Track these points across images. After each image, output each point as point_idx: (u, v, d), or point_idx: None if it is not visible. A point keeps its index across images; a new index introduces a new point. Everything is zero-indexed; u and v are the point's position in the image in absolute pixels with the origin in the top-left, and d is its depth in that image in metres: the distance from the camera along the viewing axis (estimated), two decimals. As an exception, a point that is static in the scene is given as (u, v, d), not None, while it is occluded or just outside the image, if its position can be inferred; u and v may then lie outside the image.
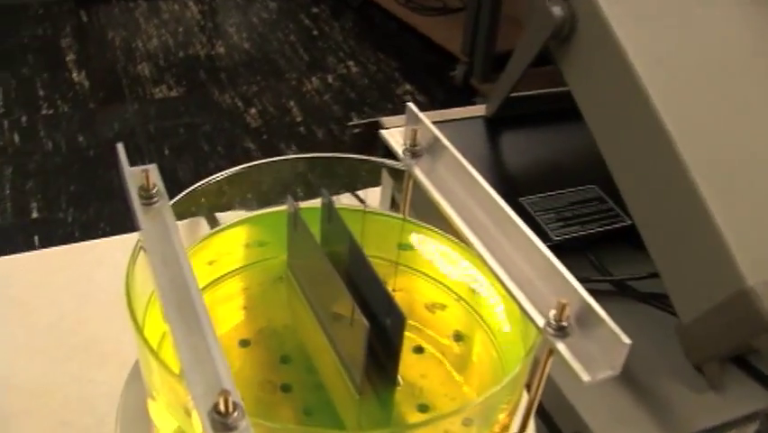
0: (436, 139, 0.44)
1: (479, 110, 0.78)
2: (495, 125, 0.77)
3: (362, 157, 0.48)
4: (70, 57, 2.49)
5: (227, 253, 0.49)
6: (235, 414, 0.30)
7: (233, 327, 0.45)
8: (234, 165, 0.47)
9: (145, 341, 0.36)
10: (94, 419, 0.46)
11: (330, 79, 2.50)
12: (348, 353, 0.39)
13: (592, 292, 0.64)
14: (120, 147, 0.41)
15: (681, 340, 0.56)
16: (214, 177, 0.45)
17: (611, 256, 0.65)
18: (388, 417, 0.40)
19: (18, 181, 1.93)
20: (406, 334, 0.44)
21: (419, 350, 0.44)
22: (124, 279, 0.38)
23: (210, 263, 0.48)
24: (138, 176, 0.40)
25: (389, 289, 0.46)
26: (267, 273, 0.48)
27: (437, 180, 0.44)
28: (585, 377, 0.33)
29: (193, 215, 0.49)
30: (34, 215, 1.84)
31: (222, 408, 0.30)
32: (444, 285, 0.48)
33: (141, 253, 0.39)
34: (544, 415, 0.58)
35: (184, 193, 0.43)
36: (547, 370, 0.36)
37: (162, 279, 0.36)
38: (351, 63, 2.60)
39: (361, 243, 0.45)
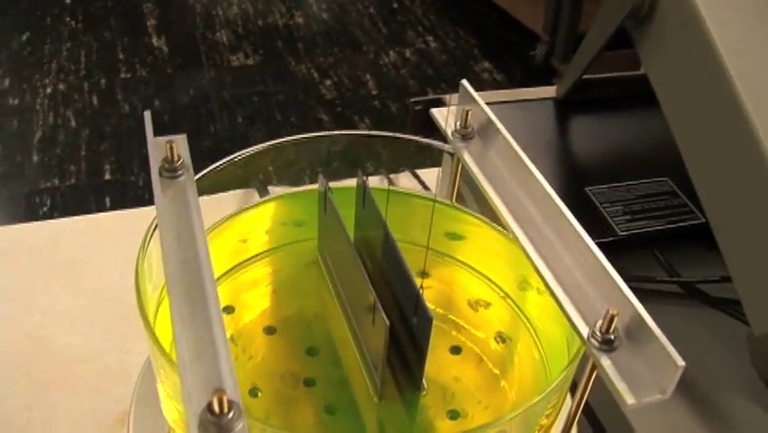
0: (489, 121, 0.40)
1: (550, 91, 0.74)
2: (565, 108, 0.72)
3: (406, 136, 0.44)
4: (151, 22, 2.51)
5: (262, 231, 0.46)
6: (231, 415, 0.27)
7: (261, 311, 0.43)
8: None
9: (155, 340, 0.33)
10: (127, 390, 0.44)
11: (408, 54, 2.46)
12: (370, 351, 0.36)
13: (657, 293, 0.59)
14: (147, 115, 0.39)
15: (751, 353, 0.51)
16: (246, 150, 0.43)
17: (681, 256, 0.60)
18: (411, 423, 0.37)
19: (93, 143, 1.96)
20: (444, 331, 0.40)
21: (456, 350, 0.41)
22: (136, 262, 0.36)
23: (243, 241, 0.46)
24: (162, 146, 0.37)
25: (425, 282, 0.43)
26: (301, 256, 0.45)
27: (487, 166, 0.40)
28: (629, 400, 0.29)
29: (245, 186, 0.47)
30: (107, 176, 1.87)
31: (216, 407, 0.27)
32: (491, 280, 0.44)
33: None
34: (595, 424, 0.54)
35: (209, 169, 0.41)
36: (590, 384, 0.32)
37: (173, 260, 0.33)
38: (429, 38, 2.55)
39: (403, 227, 0.41)
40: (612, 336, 0.31)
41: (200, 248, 0.34)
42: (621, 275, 0.56)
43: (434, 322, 0.39)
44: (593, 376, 0.32)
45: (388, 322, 0.32)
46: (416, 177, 0.69)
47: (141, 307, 0.34)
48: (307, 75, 2.33)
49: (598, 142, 0.69)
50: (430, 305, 0.42)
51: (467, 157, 0.41)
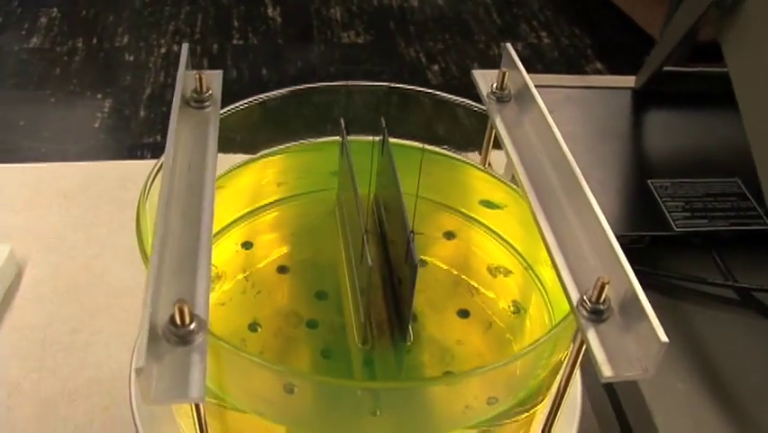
0: (526, 87, 0.39)
1: (628, 81, 0.71)
2: (641, 99, 0.69)
3: (441, 94, 0.43)
4: (268, -8, 2.56)
5: (298, 176, 0.46)
6: (192, 326, 0.27)
7: (278, 252, 0.43)
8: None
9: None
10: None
11: (519, 47, 2.42)
12: (360, 296, 0.35)
13: (709, 296, 0.56)
14: (184, 47, 0.39)
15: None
16: (278, 92, 0.43)
17: (741, 261, 0.57)
18: (397, 374, 0.36)
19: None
20: (455, 292, 0.40)
21: (465, 314, 0.40)
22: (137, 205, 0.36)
23: (279, 184, 0.46)
24: (190, 77, 0.38)
25: (448, 243, 0.42)
26: (327, 204, 0.45)
27: (517, 132, 0.39)
28: (607, 372, 0.27)
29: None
30: (280, 121, 1.91)
31: (177, 318, 0.27)
32: (516, 250, 0.43)
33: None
34: (623, 423, 0.52)
35: (241, 103, 0.41)
36: (580, 355, 0.31)
37: (178, 183, 0.33)
38: (543, 34, 2.50)
39: (436, 189, 0.41)
40: (602, 307, 0.29)
41: (208, 177, 0.34)
42: (671, 272, 0.54)
43: (445, 284, 0.38)
44: (583, 349, 0.30)
45: (370, 263, 0.31)
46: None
47: (141, 243, 0.34)
48: (415, 58, 2.33)
49: (669, 136, 0.66)
50: (446, 264, 0.41)
51: (498, 120, 0.39)
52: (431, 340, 0.38)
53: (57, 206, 0.74)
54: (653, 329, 0.27)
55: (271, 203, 0.45)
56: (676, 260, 0.56)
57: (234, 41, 2.29)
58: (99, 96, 1.99)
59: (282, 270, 0.41)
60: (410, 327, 0.36)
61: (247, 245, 0.43)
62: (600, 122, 0.66)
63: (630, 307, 0.29)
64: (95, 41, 2.23)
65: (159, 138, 1.89)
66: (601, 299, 0.29)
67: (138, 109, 1.99)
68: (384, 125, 0.38)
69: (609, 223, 0.55)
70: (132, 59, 2.15)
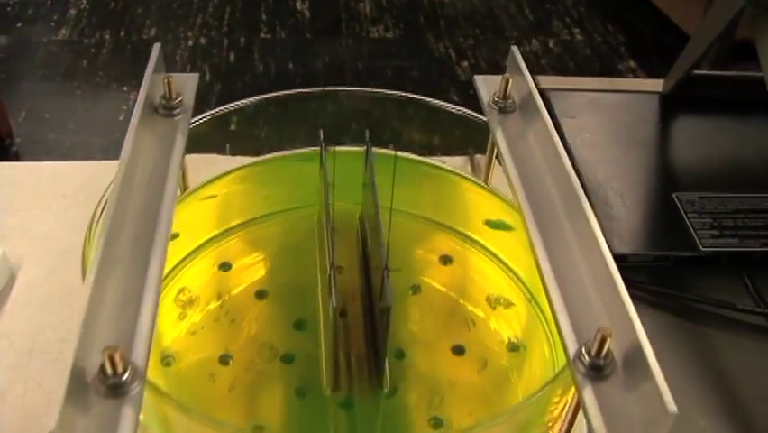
0: (531, 96, 0.35)
1: (657, 85, 0.66)
2: (670, 104, 0.64)
3: (439, 102, 0.39)
4: (297, -14, 2.53)
5: (286, 190, 0.43)
6: (125, 376, 0.23)
7: (257, 274, 0.39)
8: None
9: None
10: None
11: (551, 44, 2.36)
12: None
13: (737, 323, 0.52)
14: (156, 47, 0.36)
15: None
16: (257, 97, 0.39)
17: (775, 286, 0.52)
18: (373, 425, 0.32)
19: (224, 97, 1.99)
20: (450, 326, 0.36)
21: (459, 350, 0.36)
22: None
23: (265, 198, 0.42)
24: (157, 81, 0.34)
25: (445, 268, 0.38)
26: (312, 221, 0.41)
27: (519, 146, 0.35)
28: (604, 443, 0.23)
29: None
30: (232, 127, 1.89)
31: (108, 367, 0.23)
32: (520, 279, 0.39)
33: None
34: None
35: (214, 111, 0.37)
36: (576, 417, 0.27)
37: (134, 201, 0.30)
38: (576, 30, 2.43)
39: (432, 206, 0.37)
40: (602, 362, 0.25)
41: (167, 195, 0.31)
42: (697, 295, 0.50)
43: (439, 315, 0.34)
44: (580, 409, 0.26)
45: (335, 303, 0.27)
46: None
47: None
48: (444, 54, 2.28)
49: (698, 145, 0.61)
50: (441, 293, 0.37)
51: (499, 132, 0.35)
52: (420, 380, 0.34)
53: (55, 206, 0.72)
54: (662, 396, 0.23)
55: (254, 219, 0.41)
56: (702, 282, 0.51)
57: (262, 35, 2.26)
58: (125, 88, 1.97)
59: (260, 295, 0.38)
60: (386, 373, 0.32)
61: (225, 267, 0.39)
62: (624, 128, 0.62)
63: (636, 362, 0.25)
64: (122, 33, 2.21)
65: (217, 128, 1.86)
66: (602, 354, 0.25)
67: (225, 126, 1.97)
68: (368, 136, 0.34)
69: (629, 240, 0.52)
70: (158, 51, 2.13)
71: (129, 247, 0.28)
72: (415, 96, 0.40)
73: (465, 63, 2.25)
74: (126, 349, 0.25)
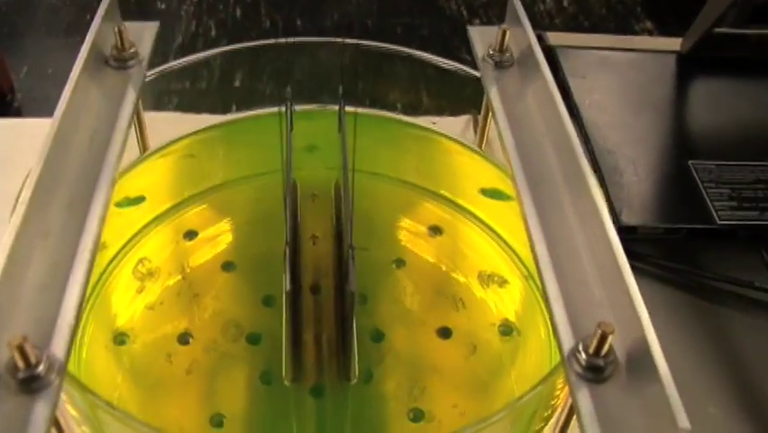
0: (530, 50, 0.31)
1: (675, 44, 0.61)
2: (688, 65, 0.60)
3: (427, 56, 0.35)
4: (307, -61, 2.46)
5: (259, 152, 0.39)
6: (39, 368, 0.20)
7: (225, 244, 0.35)
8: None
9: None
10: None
11: (565, 2, 2.29)
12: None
13: (754, 303, 0.48)
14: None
15: None
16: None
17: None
18: (341, 418, 0.29)
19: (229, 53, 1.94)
20: (437, 306, 0.32)
21: (445, 333, 0.32)
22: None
23: (238, 162, 0.39)
24: (107, 30, 0.30)
25: (436, 240, 0.34)
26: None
27: (516, 105, 0.31)
28: (600, 460, 0.20)
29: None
30: (236, 83, 1.85)
31: (18, 359, 0.20)
32: (516, 255, 0.35)
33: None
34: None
35: (178, 62, 0.34)
36: (570, 421, 0.23)
37: (71, 159, 0.26)
38: (592, -12, 2.37)
39: (422, 172, 0.33)
40: (602, 363, 0.21)
41: (111, 152, 0.27)
42: (711, 272, 0.46)
43: (425, 293, 0.31)
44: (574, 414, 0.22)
45: (288, 287, 0.24)
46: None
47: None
48: (456, 12, 2.22)
49: (717, 110, 0.56)
50: (428, 268, 0.34)
51: (494, 90, 0.31)
52: (399, 366, 0.30)
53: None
54: (670, 407, 0.19)
55: (224, 183, 0.37)
56: (718, 257, 0.47)
57: (269, -10, 2.20)
58: (127, 44, 1.93)
59: (227, 267, 0.34)
60: (354, 362, 0.28)
61: (190, 235, 0.35)
62: (638, 90, 0.57)
63: (642, 364, 0.21)
64: (126, -14, 2.17)
65: (187, 85, 1.82)
66: (602, 352, 0.21)
67: (167, 59, 1.93)
68: (341, 92, 0.30)
69: (640, 210, 0.48)
70: (163, 7, 2.08)
71: (60, 217, 0.25)
72: (400, 48, 0.36)
73: (477, 21, 2.19)
74: (45, 337, 0.21)
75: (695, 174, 0.50)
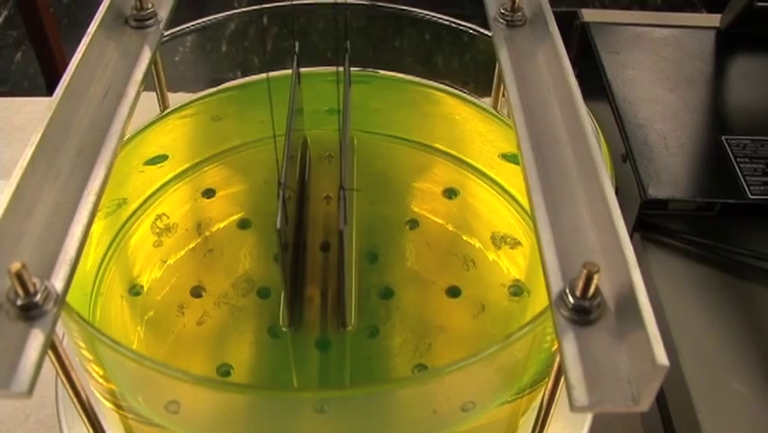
0: (542, 10, 0.31)
1: (714, 20, 0.60)
2: (727, 41, 0.58)
3: (438, 16, 0.35)
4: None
5: (285, 112, 0.39)
6: (36, 297, 0.21)
7: (241, 202, 0.36)
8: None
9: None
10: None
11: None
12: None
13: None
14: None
15: None
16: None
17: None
18: (342, 366, 0.29)
19: (280, 38, 1.96)
20: (447, 265, 0.32)
21: (454, 291, 0.32)
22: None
23: (261, 122, 0.39)
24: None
25: (451, 202, 0.34)
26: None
27: (526, 66, 0.31)
28: (579, 398, 0.20)
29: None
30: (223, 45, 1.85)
31: (17, 287, 0.21)
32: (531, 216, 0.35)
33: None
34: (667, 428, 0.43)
35: (197, 22, 0.34)
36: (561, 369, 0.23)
37: (83, 109, 0.27)
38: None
39: (438, 135, 0.33)
40: (587, 304, 0.21)
41: (123, 106, 0.28)
42: (743, 248, 0.45)
43: (436, 252, 0.31)
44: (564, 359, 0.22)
45: (278, 225, 0.24)
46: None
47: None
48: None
49: (754, 85, 0.55)
50: (440, 228, 0.34)
51: (504, 51, 0.31)
52: (406, 322, 0.31)
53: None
54: (650, 344, 0.19)
55: (246, 143, 0.38)
56: (750, 233, 0.46)
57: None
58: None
59: (243, 224, 0.35)
60: (350, 309, 0.28)
61: (209, 193, 0.36)
62: (674, 66, 0.56)
63: (627, 308, 0.21)
64: (184, -23, 2.20)
65: (238, 73, 1.84)
66: (588, 293, 0.21)
67: (220, 45, 1.95)
68: (347, 49, 0.30)
69: (670, 185, 0.47)
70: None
71: (70, 161, 0.26)
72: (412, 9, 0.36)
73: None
74: (46, 270, 0.22)
75: (728, 149, 0.49)
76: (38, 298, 0.21)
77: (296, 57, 0.32)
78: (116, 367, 0.25)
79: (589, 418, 0.32)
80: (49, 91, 1.61)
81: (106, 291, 0.32)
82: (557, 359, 0.23)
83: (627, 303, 0.21)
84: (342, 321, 0.29)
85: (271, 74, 0.38)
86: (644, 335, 0.19)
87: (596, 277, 0.21)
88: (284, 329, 0.29)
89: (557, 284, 0.22)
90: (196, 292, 0.32)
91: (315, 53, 0.38)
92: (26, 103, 0.67)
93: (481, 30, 0.34)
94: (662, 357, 0.19)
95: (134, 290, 0.32)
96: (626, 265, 0.21)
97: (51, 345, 0.21)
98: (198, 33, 0.36)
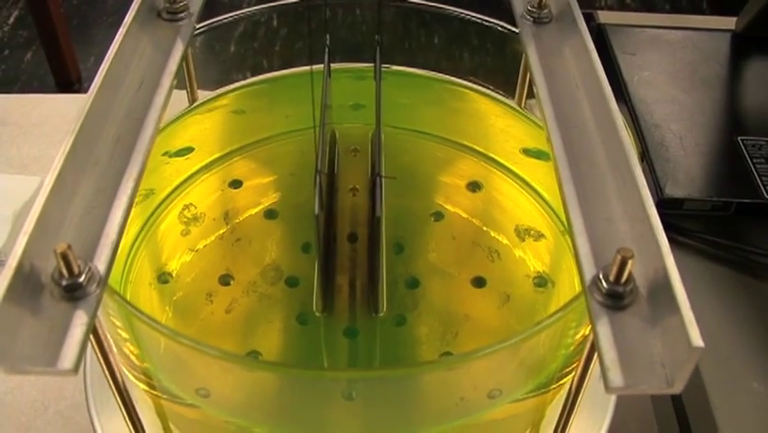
0: (569, 6, 0.31)
1: (729, 23, 0.61)
2: (742, 44, 0.59)
3: (464, 12, 0.36)
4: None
5: (311, 106, 0.40)
6: (81, 278, 0.21)
7: (269, 193, 0.37)
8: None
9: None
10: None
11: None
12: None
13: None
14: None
15: None
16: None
17: None
18: (372, 350, 0.29)
19: (289, 40, 1.96)
20: (472, 256, 0.33)
21: (479, 282, 0.33)
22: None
23: (286, 116, 0.40)
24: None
25: (473, 197, 0.35)
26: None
27: (554, 63, 0.31)
28: (614, 380, 0.20)
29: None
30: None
31: (63, 267, 0.21)
32: (554, 210, 0.35)
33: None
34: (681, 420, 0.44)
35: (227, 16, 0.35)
36: (593, 353, 0.23)
37: (120, 100, 0.28)
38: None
39: (463, 130, 0.34)
40: (621, 290, 0.22)
41: (158, 96, 0.28)
42: (759, 248, 0.45)
43: (461, 243, 0.31)
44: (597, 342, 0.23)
45: (317, 211, 0.24)
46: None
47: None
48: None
49: (769, 87, 0.55)
50: (465, 221, 0.34)
51: (532, 47, 0.31)
52: (433, 312, 0.31)
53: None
54: (685, 327, 0.19)
55: (272, 136, 0.38)
56: (765, 233, 0.47)
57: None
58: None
59: (270, 215, 0.35)
60: (382, 296, 0.29)
61: (235, 184, 0.37)
62: (689, 68, 0.57)
63: (660, 293, 0.21)
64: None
65: (248, 74, 1.84)
66: (622, 279, 0.21)
67: (228, 46, 1.96)
68: (378, 44, 0.30)
69: (686, 184, 0.47)
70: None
71: (108, 148, 0.26)
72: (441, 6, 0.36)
73: None
74: (89, 252, 0.23)
75: (744, 150, 0.50)
76: (82, 279, 0.21)
77: (327, 50, 0.32)
78: (152, 346, 0.25)
79: (609, 416, 0.32)
80: (60, 91, 1.62)
81: (135, 279, 0.32)
82: (587, 347, 0.24)
83: (660, 289, 0.21)
84: (375, 307, 0.29)
85: (297, 69, 0.38)
86: (678, 318, 0.20)
87: (630, 262, 0.21)
88: (317, 314, 0.30)
89: (590, 270, 0.22)
90: (225, 280, 0.32)
91: (342, 49, 0.39)
92: (43, 100, 0.68)
93: (509, 27, 0.34)
94: (697, 339, 0.19)
95: (163, 278, 0.33)
96: (659, 252, 0.21)
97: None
98: (208, 33, 0.37)
